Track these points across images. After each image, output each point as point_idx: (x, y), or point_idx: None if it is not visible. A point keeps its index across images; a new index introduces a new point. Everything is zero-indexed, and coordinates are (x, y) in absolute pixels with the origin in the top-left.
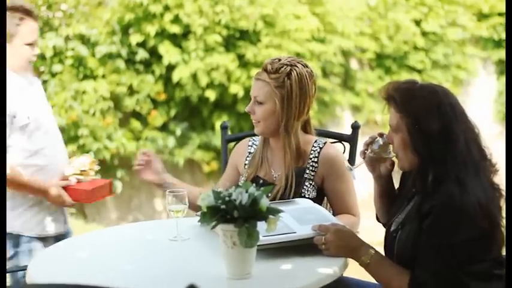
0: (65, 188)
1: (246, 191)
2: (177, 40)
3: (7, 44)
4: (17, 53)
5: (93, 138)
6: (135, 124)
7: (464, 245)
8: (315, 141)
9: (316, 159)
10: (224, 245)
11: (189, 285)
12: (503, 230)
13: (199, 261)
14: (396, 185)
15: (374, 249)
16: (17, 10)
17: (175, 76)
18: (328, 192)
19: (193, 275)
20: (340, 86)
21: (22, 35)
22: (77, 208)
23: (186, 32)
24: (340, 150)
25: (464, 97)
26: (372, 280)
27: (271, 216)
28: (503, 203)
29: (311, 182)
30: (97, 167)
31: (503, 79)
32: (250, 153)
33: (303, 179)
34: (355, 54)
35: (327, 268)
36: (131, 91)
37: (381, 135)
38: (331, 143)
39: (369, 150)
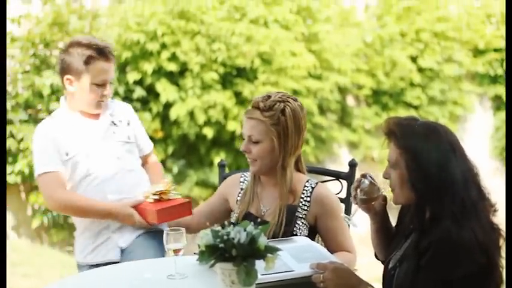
0: (135, 207)
1: (244, 230)
2: (174, 78)
3: (76, 82)
4: (82, 91)
5: None
6: None
7: (462, 281)
8: (307, 181)
9: (308, 199)
10: (222, 283)
11: None
12: (503, 270)
13: None
14: (393, 221)
15: (372, 287)
16: (85, 47)
17: (173, 114)
18: (322, 231)
19: None
20: (337, 122)
21: (90, 74)
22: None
23: (183, 70)
24: (331, 189)
25: (461, 133)
26: None
27: (269, 255)
28: (502, 243)
29: (303, 221)
30: (173, 187)
31: (500, 115)
32: (241, 189)
33: (295, 217)
34: (351, 91)
35: None
36: None
37: (364, 176)
38: (329, 180)
39: (359, 193)
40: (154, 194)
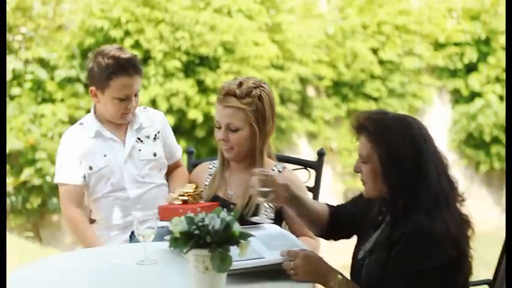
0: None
1: (218, 216)
2: None
3: (99, 94)
4: (105, 104)
5: (50, 161)
6: None
7: (432, 272)
8: (275, 166)
9: None
10: (196, 270)
11: None
12: (472, 260)
13: (169, 285)
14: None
15: (342, 274)
16: (111, 59)
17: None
18: (286, 215)
19: None
20: (297, 113)
21: (112, 89)
22: (34, 231)
23: (146, 58)
24: (299, 176)
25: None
26: None
27: (242, 241)
28: (471, 234)
29: (270, 204)
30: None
31: (458, 108)
32: (210, 175)
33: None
34: (312, 82)
35: None
36: None
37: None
38: (297, 169)
39: (258, 187)
40: (181, 196)
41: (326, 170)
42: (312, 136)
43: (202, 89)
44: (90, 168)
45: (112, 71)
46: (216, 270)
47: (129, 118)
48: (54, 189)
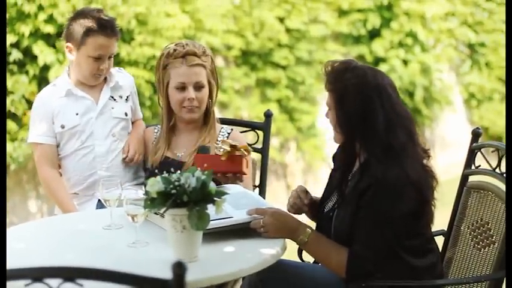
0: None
1: (193, 175)
2: (51, 40)
3: (74, 52)
4: (79, 62)
5: None
6: (11, 125)
7: (400, 219)
8: (222, 128)
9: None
10: (173, 229)
11: (176, 262)
12: (434, 209)
13: (140, 247)
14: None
15: (311, 228)
16: (89, 18)
17: (51, 76)
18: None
19: (140, 259)
20: None
21: (87, 47)
22: None
23: (60, 32)
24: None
25: (325, 93)
26: (311, 260)
27: (217, 199)
28: (436, 184)
29: None
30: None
31: None
32: (156, 138)
33: None
34: (221, 52)
35: (269, 249)
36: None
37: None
38: (245, 131)
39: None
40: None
41: None
42: (223, 106)
43: (117, 61)
44: (62, 126)
45: (90, 29)
46: (195, 229)
47: (100, 79)
48: None
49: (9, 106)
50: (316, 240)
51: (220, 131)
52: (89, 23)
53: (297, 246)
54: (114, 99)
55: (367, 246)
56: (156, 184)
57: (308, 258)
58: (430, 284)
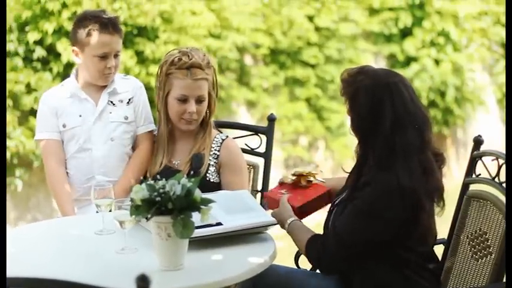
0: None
1: (179, 183)
2: None
3: (80, 54)
4: (86, 63)
5: None
6: (34, 122)
7: (385, 223)
8: (217, 134)
9: (218, 148)
10: (158, 237)
11: (140, 276)
12: (432, 217)
13: (129, 253)
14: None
15: (297, 218)
16: (90, 20)
17: None
18: (222, 183)
19: (126, 266)
20: (236, 81)
21: (91, 47)
22: None
23: None
24: (251, 145)
25: None
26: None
27: (203, 207)
28: (442, 192)
29: (214, 168)
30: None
31: None
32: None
33: (207, 164)
34: (249, 50)
35: (257, 258)
36: (29, 89)
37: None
38: (248, 135)
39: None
40: (293, 175)
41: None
42: (251, 104)
43: (142, 59)
44: (64, 126)
45: (92, 27)
46: (179, 237)
47: (111, 78)
48: None
49: (33, 103)
50: (296, 227)
51: (214, 139)
52: (90, 23)
53: (295, 252)
54: (113, 104)
55: (334, 233)
56: (140, 191)
57: (304, 265)
58: None
